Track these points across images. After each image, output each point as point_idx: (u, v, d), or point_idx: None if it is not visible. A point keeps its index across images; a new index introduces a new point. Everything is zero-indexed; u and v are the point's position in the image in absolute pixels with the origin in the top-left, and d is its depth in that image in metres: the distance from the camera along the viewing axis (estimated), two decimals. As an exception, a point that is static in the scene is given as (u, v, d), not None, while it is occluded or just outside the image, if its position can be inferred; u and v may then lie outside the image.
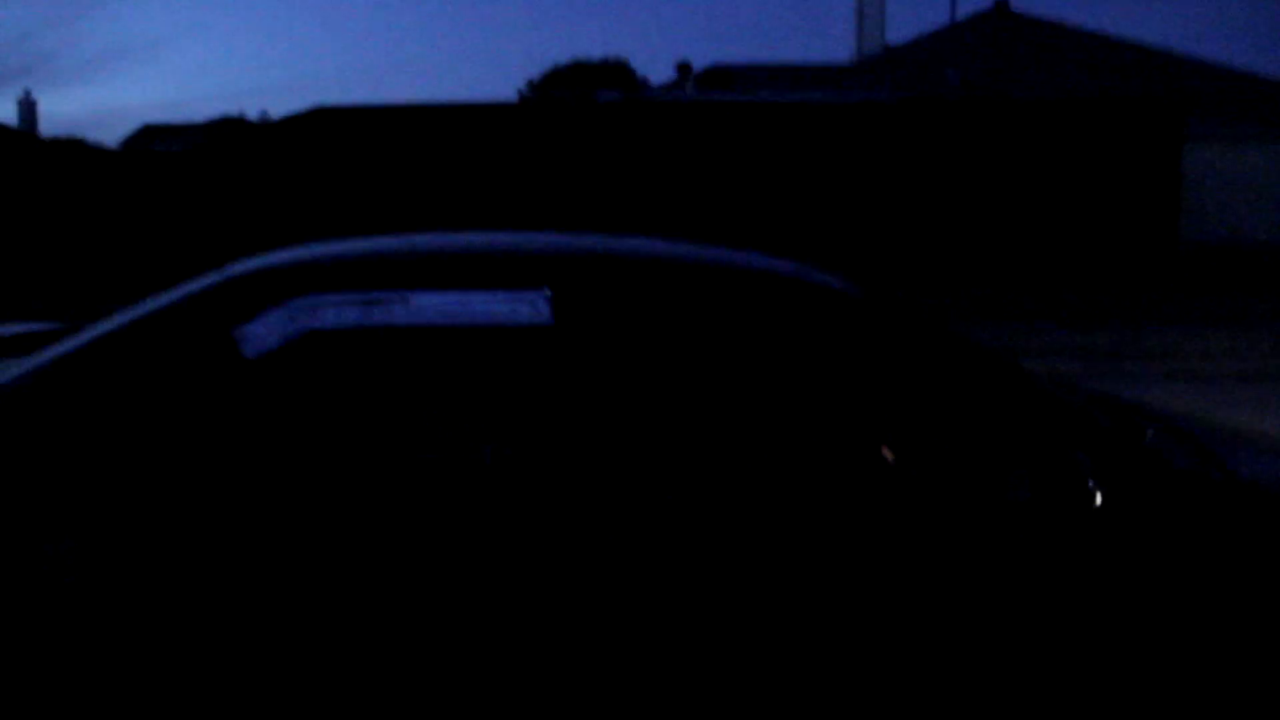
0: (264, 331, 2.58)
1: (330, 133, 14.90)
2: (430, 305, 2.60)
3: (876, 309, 2.72)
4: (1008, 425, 2.57)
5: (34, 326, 3.82)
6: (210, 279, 2.77)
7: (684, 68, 26.42)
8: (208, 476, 2.45)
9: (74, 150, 18.05)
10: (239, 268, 2.80)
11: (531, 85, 41.43)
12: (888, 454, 2.70)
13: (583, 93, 21.79)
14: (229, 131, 23.61)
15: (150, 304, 2.79)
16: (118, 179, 15.70)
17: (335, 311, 2.59)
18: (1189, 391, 8.32)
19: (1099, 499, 2.40)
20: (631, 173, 15.43)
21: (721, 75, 25.38)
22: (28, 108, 42.22)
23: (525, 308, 2.59)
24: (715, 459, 2.56)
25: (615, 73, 39.54)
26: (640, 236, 3.20)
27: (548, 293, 2.59)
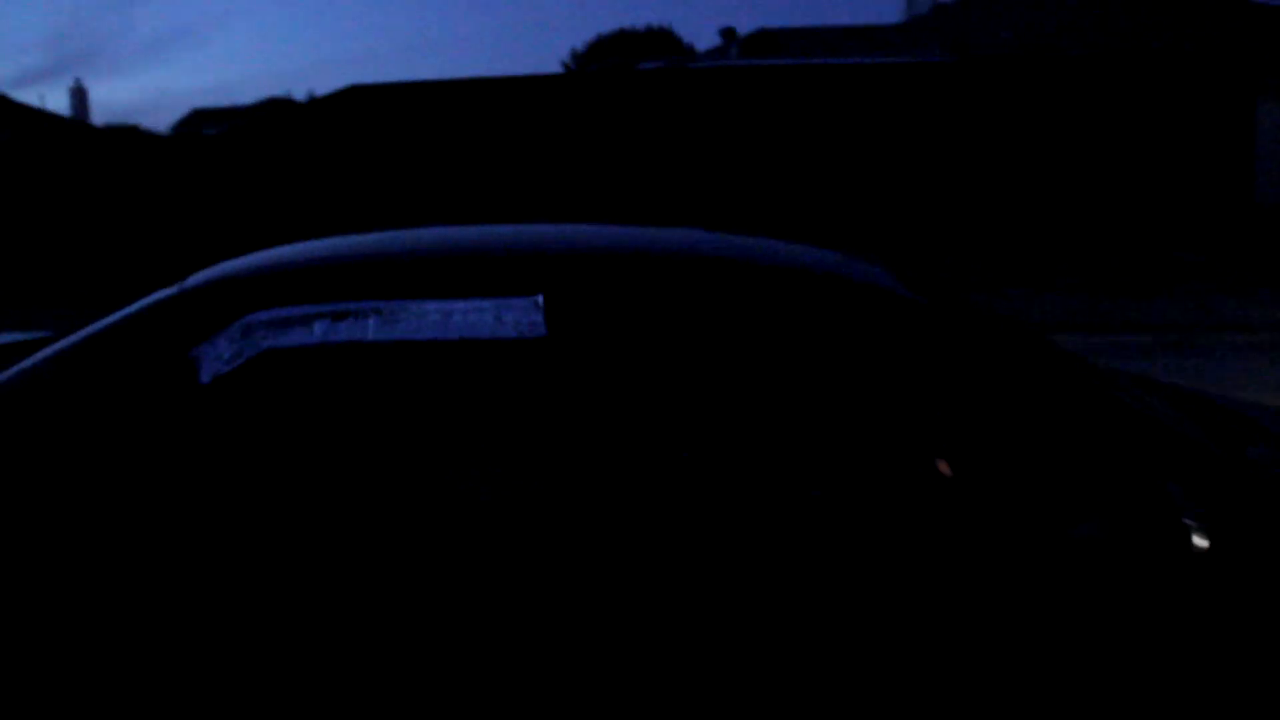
0: (217, 352, 2.26)
1: (365, 111, 14.61)
2: (407, 317, 2.26)
3: (925, 307, 2.34)
4: (1077, 444, 2.18)
5: (26, 336, 3.56)
6: (166, 292, 2.46)
7: (728, 33, 25.81)
8: (156, 512, 2.14)
9: (127, 137, 18.10)
10: (197, 278, 2.48)
11: (575, 57, 40.97)
12: (945, 469, 2.33)
13: (624, 62, 21.34)
14: (267, 113, 23.51)
15: (104, 321, 2.49)
16: (166, 164, 15.65)
17: (297, 326, 2.26)
18: (1268, 369, 7.79)
19: (1197, 541, 2.00)
20: (676, 143, 14.97)
21: (767, 40, 24.77)
22: (79, 96, 42.71)
23: (514, 318, 2.24)
24: (747, 487, 2.20)
25: (660, 41, 38.96)
26: (654, 227, 2.83)
27: (539, 300, 2.24)
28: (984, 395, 2.26)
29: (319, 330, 2.26)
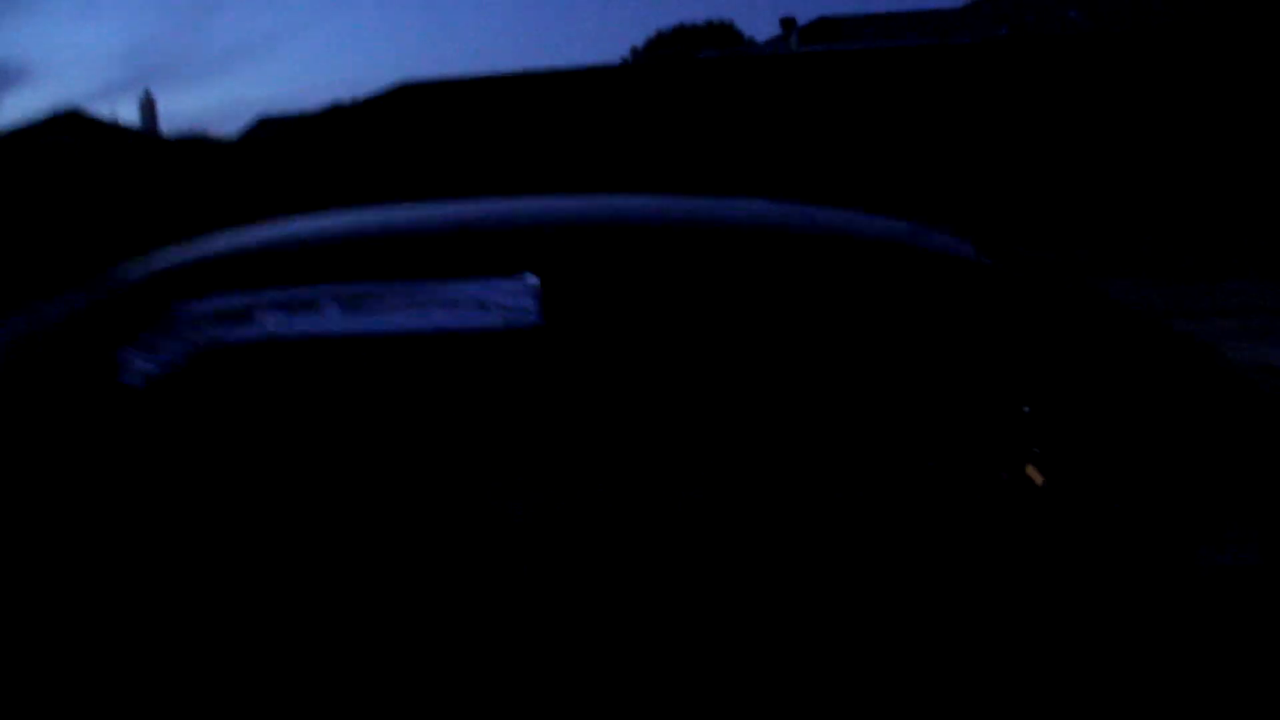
0: (151, 351, 1.88)
1: (417, 108, 14.36)
2: (375, 304, 1.87)
3: (1015, 282, 1.90)
4: (1207, 446, 1.72)
5: None
6: (93, 286, 2.09)
7: (788, 23, 25.25)
8: (89, 536, 1.78)
9: (195, 146, 18.48)
10: (132, 267, 2.11)
11: (635, 52, 40.61)
12: (1034, 475, 1.88)
13: (684, 51, 20.91)
14: (329, 117, 23.54)
15: (22, 320, 2.13)
16: (231, 170, 15.78)
17: (242, 318, 1.88)
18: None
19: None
20: (737, 132, 14.52)
21: (827, 28, 24.19)
22: (148, 108, 43.33)
23: (502, 302, 1.84)
24: (800, 483, 1.78)
25: (720, 33, 38.46)
26: (690, 197, 2.41)
27: (533, 281, 1.83)
28: (1086, 385, 1.81)
29: (269, 322, 1.88)
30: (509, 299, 1.82)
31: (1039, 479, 1.87)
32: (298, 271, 1.89)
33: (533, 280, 1.82)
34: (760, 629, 1.71)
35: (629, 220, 1.97)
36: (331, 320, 1.86)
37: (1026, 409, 1.92)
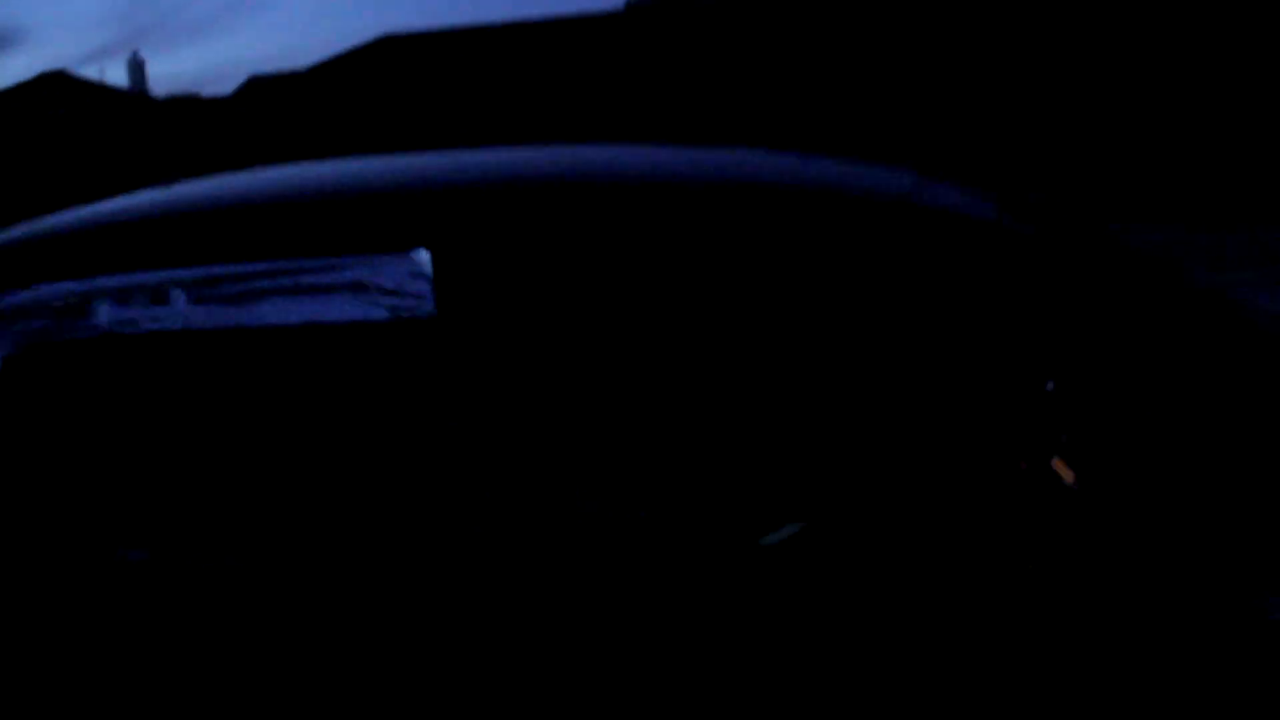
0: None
1: (400, 61, 13.86)
2: (227, 293, 1.50)
3: (1046, 249, 1.52)
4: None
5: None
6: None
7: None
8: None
9: (186, 105, 18.31)
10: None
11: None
12: (1065, 472, 1.51)
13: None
14: (312, 73, 23.15)
15: None
16: (222, 128, 15.57)
17: (73, 309, 1.51)
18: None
19: None
20: (739, 78, 14.01)
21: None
22: (137, 69, 42.76)
23: (386, 287, 1.46)
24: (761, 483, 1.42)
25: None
26: (654, 145, 2.01)
27: (424, 259, 1.45)
28: (1128, 369, 1.44)
29: (103, 315, 1.51)
30: (396, 283, 1.45)
31: (1068, 476, 1.51)
32: (140, 253, 1.52)
33: (424, 259, 1.44)
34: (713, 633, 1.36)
35: (561, 177, 1.59)
36: (180, 312, 1.49)
37: (1050, 386, 1.55)
